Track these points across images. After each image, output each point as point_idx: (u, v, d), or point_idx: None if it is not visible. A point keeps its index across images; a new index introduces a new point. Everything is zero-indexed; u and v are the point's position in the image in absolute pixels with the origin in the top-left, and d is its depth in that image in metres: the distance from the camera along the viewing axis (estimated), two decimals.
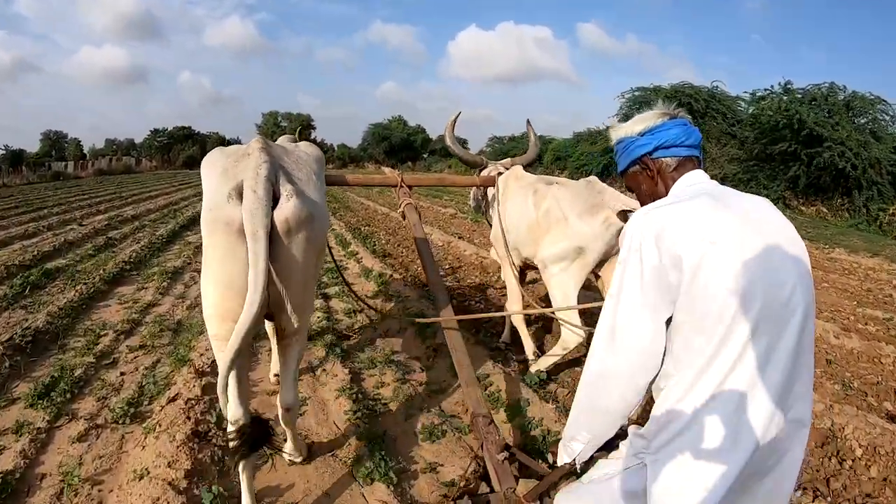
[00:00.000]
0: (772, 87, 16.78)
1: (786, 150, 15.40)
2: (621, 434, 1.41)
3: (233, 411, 2.01)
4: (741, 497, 1.22)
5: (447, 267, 7.38)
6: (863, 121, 16.03)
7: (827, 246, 9.82)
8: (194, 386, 3.11)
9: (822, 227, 12.94)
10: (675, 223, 1.21)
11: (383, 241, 9.16)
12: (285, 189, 1.89)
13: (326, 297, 5.48)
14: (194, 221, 10.97)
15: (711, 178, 1.42)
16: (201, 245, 2.02)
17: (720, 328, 1.17)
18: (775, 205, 1.38)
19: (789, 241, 1.26)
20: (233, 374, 1.92)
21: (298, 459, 2.58)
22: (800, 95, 16.18)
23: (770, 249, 1.20)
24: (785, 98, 16.08)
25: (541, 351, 3.88)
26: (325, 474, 2.55)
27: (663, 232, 1.21)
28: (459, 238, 9.12)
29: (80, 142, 53.02)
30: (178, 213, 12.68)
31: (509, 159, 4.05)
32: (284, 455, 2.57)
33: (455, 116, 4.17)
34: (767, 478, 1.23)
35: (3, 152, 42.71)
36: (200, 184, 2.05)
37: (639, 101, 19.07)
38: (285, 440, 2.55)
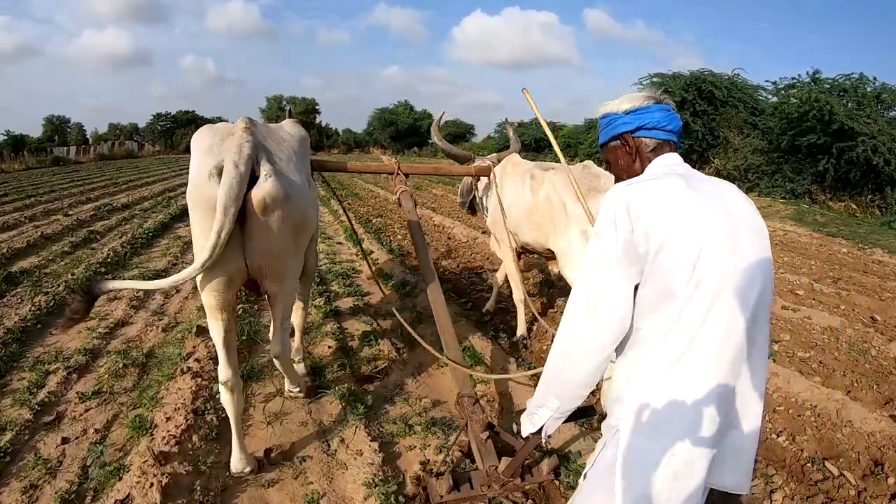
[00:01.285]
0: (799, 76, 15.54)
1: (814, 143, 14.24)
2: (584, 406, 1.48)
3: (222, 372, 2.21)
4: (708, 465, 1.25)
5: (478, 266, 6.38)
6: (892, 114, 14.90)
7: (866, 246, 8.85)
8: (151, 485, 2.01)
9: (855, 225, 11.88)
10: (647, 199, 1.25)
11: (399, 237, 8.03)
12: (264, 168, 1.92)
13: (338, 315, 4.40)
14: (187, 212, 9.84)
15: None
16: (191, 241, 2.10)
17: (682, 299, 1.21)
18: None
19: (752, 225, 1.31)
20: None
21: (296, 390, 2.90)
22: (828, 86, 14.98)
23: (733, 231, 1.25)
24: (813, 88, 14.85)
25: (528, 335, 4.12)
26: None
27: (636, 206, 1.24)
28: (483, 233, 8.04)
29: (82, 126, 50.79)
30: (173, 200, 11.51)
31: (495, 154, 4.12)
32: (286, 390, 2.91)
33: (440, 115, 4.33)
34: (726, 444, 1.28)
35: (5, 137, 41.05)
36: None
37: (657, 88, 17.79)
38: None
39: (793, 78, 15.67)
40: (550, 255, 3.54)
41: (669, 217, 1.21)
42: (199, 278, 2.02)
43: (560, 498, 2.31)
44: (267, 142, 2.06)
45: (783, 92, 16.49)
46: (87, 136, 49.17)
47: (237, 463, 2.28)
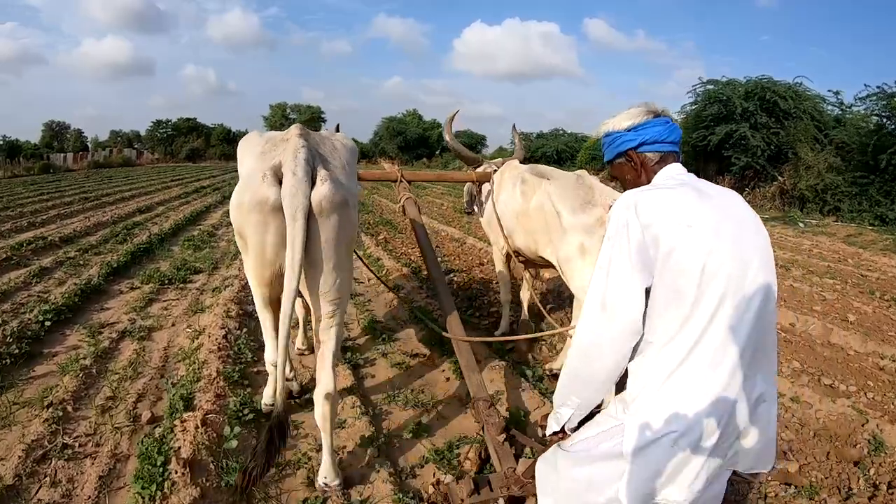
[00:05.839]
0: (885, 84, 12.70)
1: None
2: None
3: (270, 355, 2.28)
4: (712, 461, 1.25)
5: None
6: None
7: None
8: None
9: None
10: (657, 206, 1.25)
11: (488, 306, 4.83)
12: (321, 173, 1.87)
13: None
14: (146, 255, 6.77)
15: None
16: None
17: (689, 302, 1.21)
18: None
19: (756, 230, 1.31)
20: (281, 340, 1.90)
21: (335, 483, 2.15)
22: None
23: (739, 235, 1.26)
24: None
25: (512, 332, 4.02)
26: None
27: (645, 212, 1.24)
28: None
29: (81, 133, 47.46)
30: (138, 229, 8.47)
31: (500, 159, 3.95)
32: (318, 482, 2.17)
33: (453, 113, 4.04)
34: (736, 445, 1.27)
35: (1, 143, 37.71)
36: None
37: (711, 96, 14.99)
38: None
39: (878, 87, 12.82)
40: (543, 263, 3.40)
41: (679, 223, 1.22)
42: (250, 275, 2.08)
43: None
44: (321, 148, 2.04)
45: (857, 105, 13.70)
46: (88, 143, 45.95)
47: (268, 399, 2.70)
